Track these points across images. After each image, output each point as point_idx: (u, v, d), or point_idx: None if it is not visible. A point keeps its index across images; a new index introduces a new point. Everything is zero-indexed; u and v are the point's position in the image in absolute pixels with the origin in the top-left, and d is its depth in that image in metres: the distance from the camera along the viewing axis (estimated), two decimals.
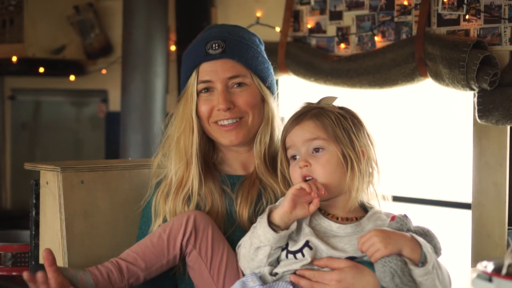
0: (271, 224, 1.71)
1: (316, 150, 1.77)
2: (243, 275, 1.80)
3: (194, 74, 1.95)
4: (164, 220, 1.93)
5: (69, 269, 1.76)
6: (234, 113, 1.93)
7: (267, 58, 2.03)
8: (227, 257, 1.83)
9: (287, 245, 1.74)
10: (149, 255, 1.81)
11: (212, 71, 1.93)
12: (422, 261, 1.62)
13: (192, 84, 1.95)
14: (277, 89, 2.05)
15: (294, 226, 1.72)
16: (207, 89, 1.94)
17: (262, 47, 2.04)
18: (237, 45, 1.95)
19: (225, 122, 1.93)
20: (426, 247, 1.65)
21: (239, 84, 1.94)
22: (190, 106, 1.95)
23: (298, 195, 1.71)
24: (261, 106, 1.97)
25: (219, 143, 1.99)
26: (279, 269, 1.74)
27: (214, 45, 1.94)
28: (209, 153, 2.01)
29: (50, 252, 1.72)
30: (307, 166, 1.75)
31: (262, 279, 1.73)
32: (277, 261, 1.76)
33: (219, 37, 1.95)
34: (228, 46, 1.94)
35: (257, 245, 1.72)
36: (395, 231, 1.66)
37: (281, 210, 1.71)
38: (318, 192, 1.70)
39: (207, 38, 1.96)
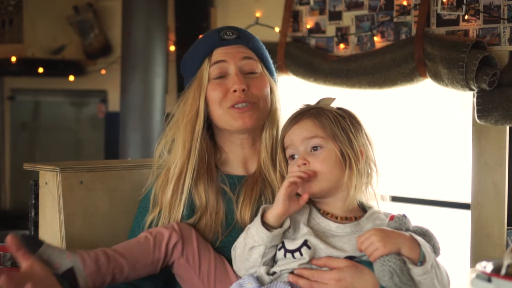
0: (264, 224, 1.71)
1: (315, 148, 1.77)
2: (237, 278, 1.81)
3: (206, 61, 1.95)
4: (159, 212, 1.92)
5: (54, 248, 1.70)
6: (248, 96, 1.92)
7: None
8: (215, 262, 1.84)
9: (284, 244, 1.74)
10: (135, 251, 1.80)
11: (227, 53, 1.95)
12: (420, 260, 1.62)
13: (205, 69, 1.95)
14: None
15: (287, 224, 1.72)
16: (219, 77, 1.94)
17: None
18: (249, 35, 2.01)
19: (240, 105, 1.92)
20: (425, 246, 1.65)
21: (251, 72, 1.95)
22: (200, 91, 1.94)
23: (291, 194, 1.71)
24: (269, 97, 1.99)
25: (229, 129, 1.96)
26: (276, 268, 1.74)
27: (228, 32, 1.97)
28: (211, 153, 2.01)
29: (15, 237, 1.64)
30: (305, 164, 1.76)
31: (259, 280, 1.73)
32: (274, 260, 1.76)
33: (232, 28, 2.00)
34: (241, 34, 1.99)
35: (251, 245, 1.72)
36: (394, 230, 1.66)
37: (276, 211, 1.71)
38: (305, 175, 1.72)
39: (219, 28, 2.00)
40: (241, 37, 1.98)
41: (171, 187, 1.92)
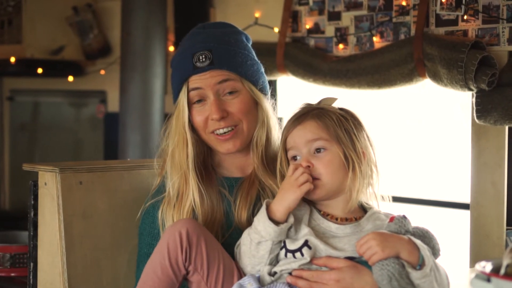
0: (269, 219, 1.71)
1: (318, 150, 1.76)
2: (244, 275, 1.80)
3: (184, 88, 1.94)
4: None
5: None
6: (228, 122, 1.92)
7: (256, 59, 2.01)
8: (224, 267, 1.79)
9: (285, 244, 1.74)
10: None
11: (201, 80, 1.92)
12: (420, 264, 1.62)
13: (183, 96, 1.94)
14: (270, 88, 2.03)
15: (292, 219, 1.73)
16: (199, 100, 1.93)
17: (249, 45, 2.02)
18: (224, 53, 1.93)
19: (221, 131, 1.92)
20: (424, 249, 1.64)
21: (231, 92, 1.92)
22: (182, 118, 1.94)
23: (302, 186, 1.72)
24: (255, 110, 1.96)
25: (216, 150, 1.98)
26: (277, 268, 1.74)
27: (201, 57, 1.91)
28: (207, 156, 2.01)
29: None
30: (309, 166, 1.75)
31: (260, 280, 1.73)
32: (276, 260, 1.76)
33: (205, 47, 1.92)
34: (215, 57, 1.91)
35: (257, 240, 1.72)
36: (393, 234, 1.65)
37: (287, 204, 1.71)
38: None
39: (193, 48, 1.93)
40: (214, 62, 1.91)
41: (175, 212, 1.91)
